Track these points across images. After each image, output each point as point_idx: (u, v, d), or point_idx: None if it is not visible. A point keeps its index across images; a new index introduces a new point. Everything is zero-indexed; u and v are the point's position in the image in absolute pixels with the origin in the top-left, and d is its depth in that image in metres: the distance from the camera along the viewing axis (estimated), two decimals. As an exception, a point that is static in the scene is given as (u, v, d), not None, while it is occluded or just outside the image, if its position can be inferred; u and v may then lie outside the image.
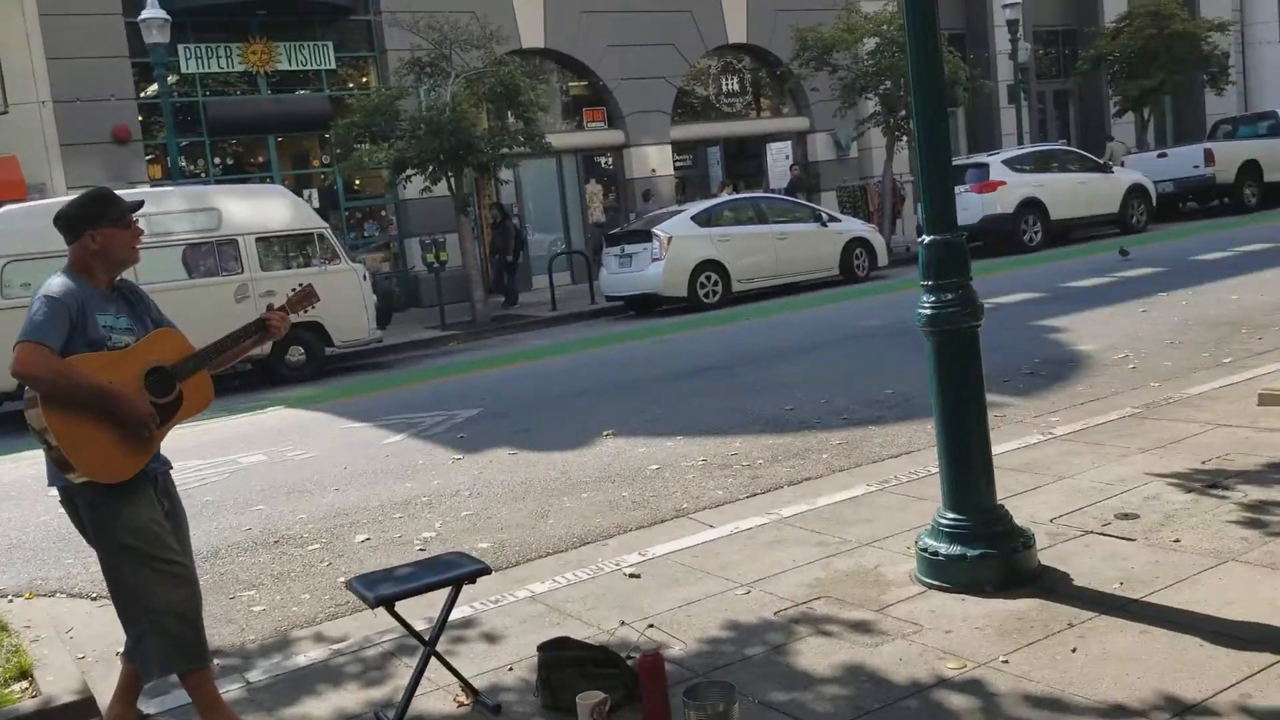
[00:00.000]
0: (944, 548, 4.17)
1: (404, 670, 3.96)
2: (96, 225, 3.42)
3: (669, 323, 14.93)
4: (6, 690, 4.18)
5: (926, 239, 4.16)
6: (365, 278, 13.42)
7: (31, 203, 12.59)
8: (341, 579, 5.33)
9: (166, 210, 12.48)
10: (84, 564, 5.88)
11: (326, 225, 13.40)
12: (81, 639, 4.94)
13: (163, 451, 3.58)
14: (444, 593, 3.62)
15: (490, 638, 4.28)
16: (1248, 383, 6.80)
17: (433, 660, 3.62)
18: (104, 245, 3.43)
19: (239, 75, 19.01)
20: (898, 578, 4.35)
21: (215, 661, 4.46)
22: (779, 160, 23.90)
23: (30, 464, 8.67)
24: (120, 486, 3.35)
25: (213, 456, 8.69)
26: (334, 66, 19.67)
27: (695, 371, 10.37)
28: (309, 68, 19.49)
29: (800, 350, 10.89)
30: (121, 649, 3.58)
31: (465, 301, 17.13)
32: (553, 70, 22.30)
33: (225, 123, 18.85)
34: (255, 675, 4.22)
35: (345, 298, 13.05)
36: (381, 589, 3.44)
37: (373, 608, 3.46)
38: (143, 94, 17.86)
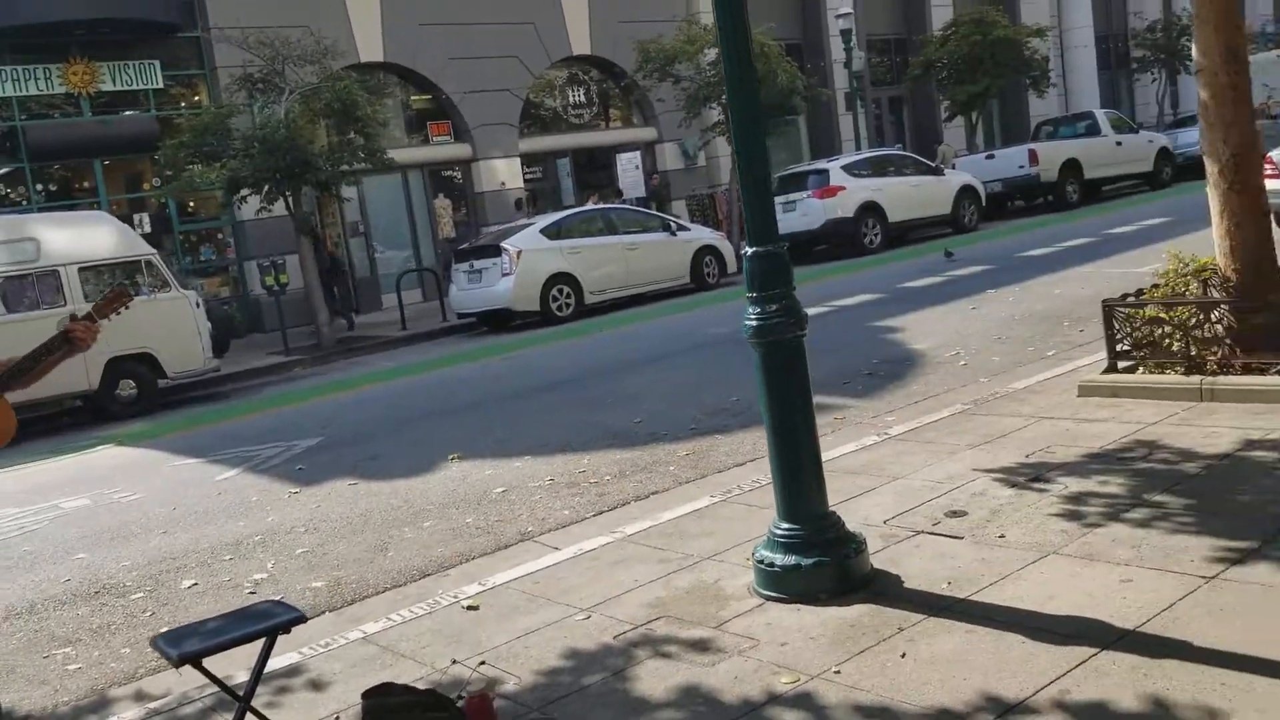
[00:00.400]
0: (779, 558, 4.18)
1: (224, 727, 3.74)
2: None
3: (521, 338, 14.79)
4: None
5: (749, 251, 4.16)
6: (198, 304, 12.85)
7: None
8: (165, 628, 5.04)
9: (-22, 241, 11.71)
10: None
11: (154, 251, 12.78)
12: None
13: None
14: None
15: (316, 685, 4.09)
16: (1069, 375, 7.08)
17: (251, 715, 3.42)
18: None
19: (61, 97, 18.03)
20: (737, 591, 4.34)
21: (21, 730, 4.17)
22: (629, 170, 24.01)
23: None
24: None
25: (34, 503, 8.17)
26: (162, 85, 18.85)
27: (546, 387, 10.26)
28: (135, 87, 18.61)
29: (650, 360, 10.91)
30: None
31: (309, 325, 16.60)
32: (395, 84, 21.90)
33: (47, 147, 17.83)
34: (61, 745, 3.93)
35: (177, 327, 12.47)
36: (186, 646, 3.22)
37: (176, 667, 3.23)
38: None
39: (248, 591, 5.45)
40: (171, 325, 12.42)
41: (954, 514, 4.82)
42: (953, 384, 7.72)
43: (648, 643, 3.98)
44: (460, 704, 3.41)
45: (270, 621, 3.38)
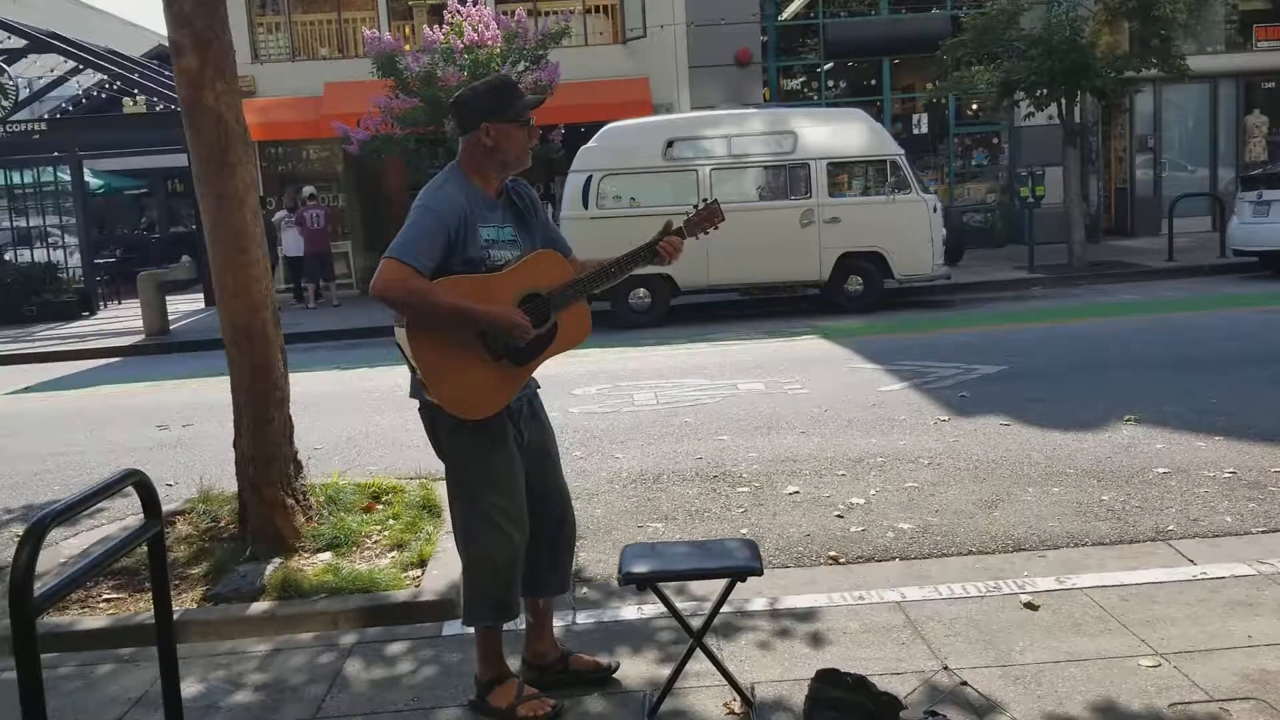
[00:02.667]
0: None
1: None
2: (493, 119, 3.12)
3: (1308, 289, 12.23)
4: (402, 574, 4.52)
5: None
6: (935, 210, 12.63)
7: (627, 121, 13.51)
8: (744, 530, 5.05)
9: (747, 132, 12.74)
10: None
11: (901, 153, 12.76)
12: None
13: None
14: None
15: (818, 640, 3.72)
16: None
17: (703, 653, 3.21)
18: (497, 142, 3.12)
19: (866, -5, 18.90)
20: (1389, 704, 2.99)
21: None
22: None
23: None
24: (481, 423, 3.12)
25: (719, 378, 8.83)
26: (961, -18, 18.72)
27: (1298, 355, 8.31)
28: (935, -16, 18.78)
29: None
30: None
31: (1063, 243, 15.52)
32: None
33: (842, 45, 18.89)
34: (583, 618, 4.10)
35: (911, 230, 12.42)
36: (637, 566, 3.08)
37: (621, 585, 3.13)
38: (779, 18, 18.44)
39: (834, 514, 5.22)
40: (905, 228, 12.43)
41: None
42: None
43: (1215, 730, 2.93)
44: (906, 727, 2.82)
45: (726, 563, 3.11)
